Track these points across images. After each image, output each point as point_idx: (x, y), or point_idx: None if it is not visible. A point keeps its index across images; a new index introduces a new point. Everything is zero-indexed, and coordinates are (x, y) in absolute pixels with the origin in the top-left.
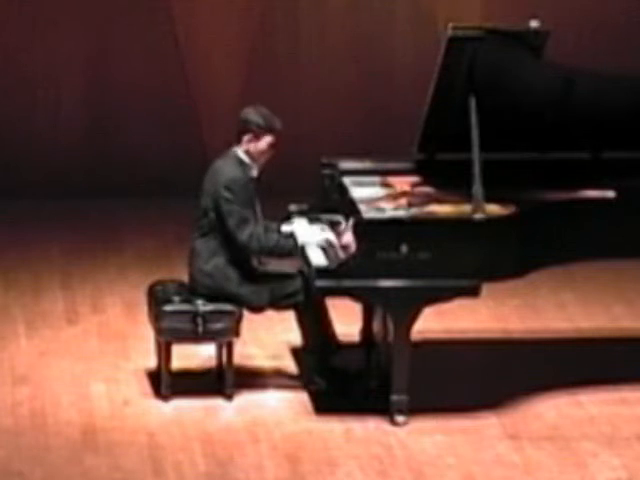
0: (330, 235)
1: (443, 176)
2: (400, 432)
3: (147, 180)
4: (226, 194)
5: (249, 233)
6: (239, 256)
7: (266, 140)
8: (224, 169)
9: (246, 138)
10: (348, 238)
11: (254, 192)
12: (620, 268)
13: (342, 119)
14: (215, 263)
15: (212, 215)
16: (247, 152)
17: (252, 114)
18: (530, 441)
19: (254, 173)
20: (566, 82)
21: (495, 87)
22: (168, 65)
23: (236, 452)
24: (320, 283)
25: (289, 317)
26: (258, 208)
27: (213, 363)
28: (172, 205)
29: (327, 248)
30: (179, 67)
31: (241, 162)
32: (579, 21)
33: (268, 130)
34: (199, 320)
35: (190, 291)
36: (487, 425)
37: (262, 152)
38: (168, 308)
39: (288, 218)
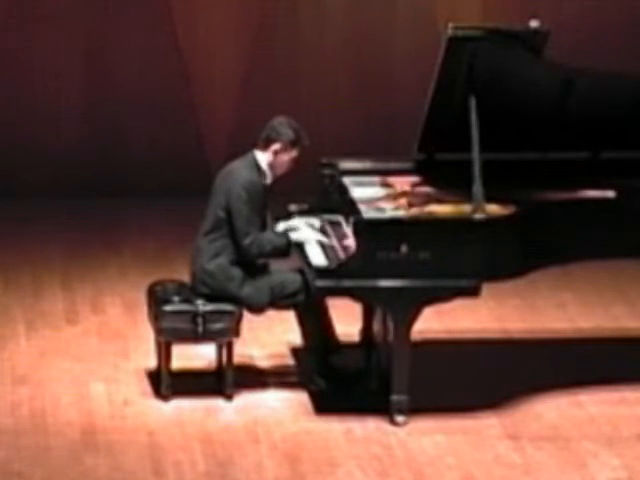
0: (322, 237)
1: (443, 176)
2: (400, 432)
3: (147, 180)
4: (242, 194)
5: (252, 239)
6: (243, 257)
7: (291, 154)
8: (242, 170)
9: (274, 148)
10: (349, 241)
11: (266, 200)
12: (620, 268)
13: (342, 119)
14: (218, 262)
15: (221, 214)
16: (269, 161)
17: (285, 127)
18: (530, 441)
19: (268, 181)
20: (566, 82)
21: (495, 87)
22: (168, 65)
23: (236, 452)
24: (320, 283)
25: (289, 317)
26: (268, 216)
27: (212, 361)
28: (172, 205)
29: (326, 248)
30: (179, 67)
31: (258, 168)
32: (579, 21)
33: (297, 146)
34: (199, 320)
35: (191, 290)
36: (487, 425)
37: (283, 164)
38: (168, 308)
39: (288, 218)
